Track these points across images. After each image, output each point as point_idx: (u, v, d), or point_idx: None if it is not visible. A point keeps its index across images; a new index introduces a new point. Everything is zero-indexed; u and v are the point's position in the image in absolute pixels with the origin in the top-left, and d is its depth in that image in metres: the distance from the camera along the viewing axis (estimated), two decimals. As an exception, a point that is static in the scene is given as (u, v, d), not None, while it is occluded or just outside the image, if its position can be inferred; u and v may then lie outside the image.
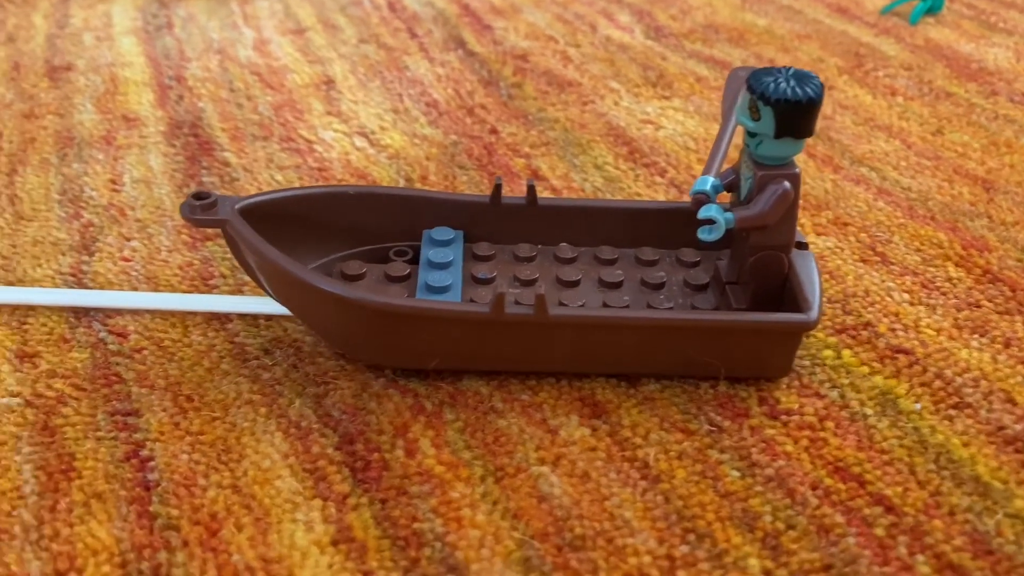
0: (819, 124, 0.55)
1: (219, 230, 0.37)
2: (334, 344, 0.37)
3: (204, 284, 0.41)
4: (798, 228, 0.37)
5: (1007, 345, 0.38)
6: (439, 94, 0.59)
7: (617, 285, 0.38)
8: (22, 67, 0.62)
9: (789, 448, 0.33)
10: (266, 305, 0.39)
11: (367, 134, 0.54)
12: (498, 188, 0.40)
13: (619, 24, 0.70)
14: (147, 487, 0.31)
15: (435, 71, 0.62)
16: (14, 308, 0.40)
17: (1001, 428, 0.34)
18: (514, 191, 0.48)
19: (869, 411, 0.35)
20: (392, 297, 0.35)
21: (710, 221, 0.34)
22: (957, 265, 0.43)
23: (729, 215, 0.34)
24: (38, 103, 0.58)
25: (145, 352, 0.37)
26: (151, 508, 0.31)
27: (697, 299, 0.38)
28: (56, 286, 0.41)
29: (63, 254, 0.43)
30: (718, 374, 0.36)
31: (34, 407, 0.35)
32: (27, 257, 0.43)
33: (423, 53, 0.65)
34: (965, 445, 0.33)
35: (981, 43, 0.67)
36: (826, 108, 0.57)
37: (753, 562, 0.29)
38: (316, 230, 0.39)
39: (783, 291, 0.37)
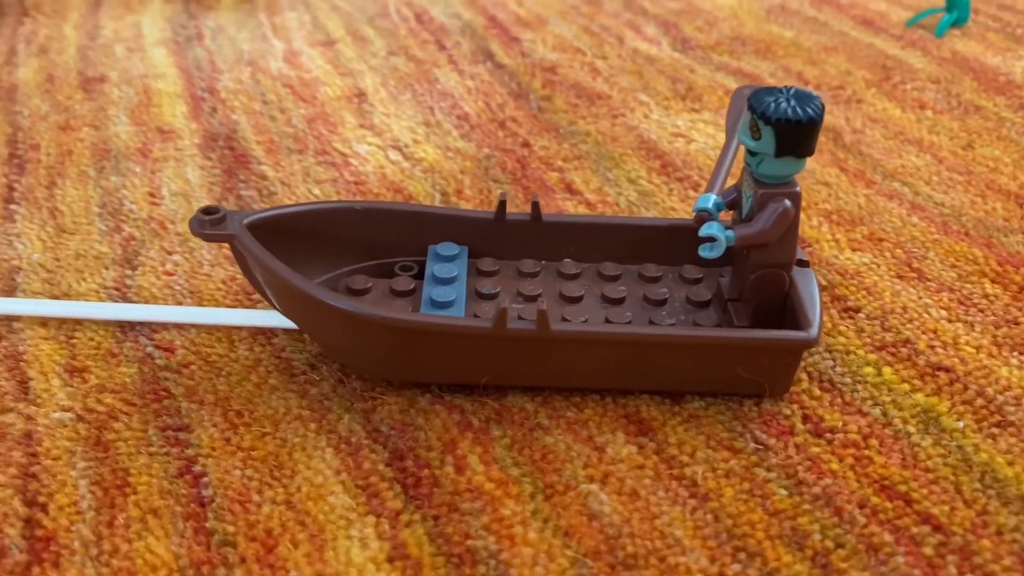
0: (850, 137, 0.55)
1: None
2: (340, 358, 0.38)
3: (248, 299, 0.42)
4: (799, 247, 0.38)
5: (1047, 363, 0.38)
6: (470, 107, 0.60)
7: (620, 301, 0.39)
8: (56, 79, 0.63)
9: (835, 466, 0.33)
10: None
11: (401, 148, 0.55)
12: (502, 204, 0.40)
13: (645, 36, 0.70)
14: (202, 503, 0.32)
15: (465, 84, 0.63)
16: (61, 322, 0.40)
17: (1045, 447, 0.34)
18: (549, 206, 0.49)
19: (912, 429, 0.35)
20: (396, 311, 0.35)
21: (711, 239, 0.35)
22: (993, 282, 0.43)
23: (730, 233, 0.35)
24: (73, 115, 0.58)
25: (193, 367, 0.38)
26: (207, 524, 0.31)
27: (699, 316, 0.38)
28: (101, 300, 0.42)
29: (106, 268, 0.44)
30: (722, 391, 0.36)
31: (86, 422, 0.35)
32: (71, 271, 0.43)
33: (452, 65, 0.66)
34: (1010, 464, 0.33)
35: (1008, 56, 0.67)
36: (855, 122, 0.57)
37: (804, 581, 0.29)
38: (323, 245, 0.40)
39: (784, 309, 0.37)
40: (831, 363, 0.38)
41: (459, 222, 0.41)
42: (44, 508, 0.32)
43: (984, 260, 0.44)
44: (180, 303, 0.41)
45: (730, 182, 0.38)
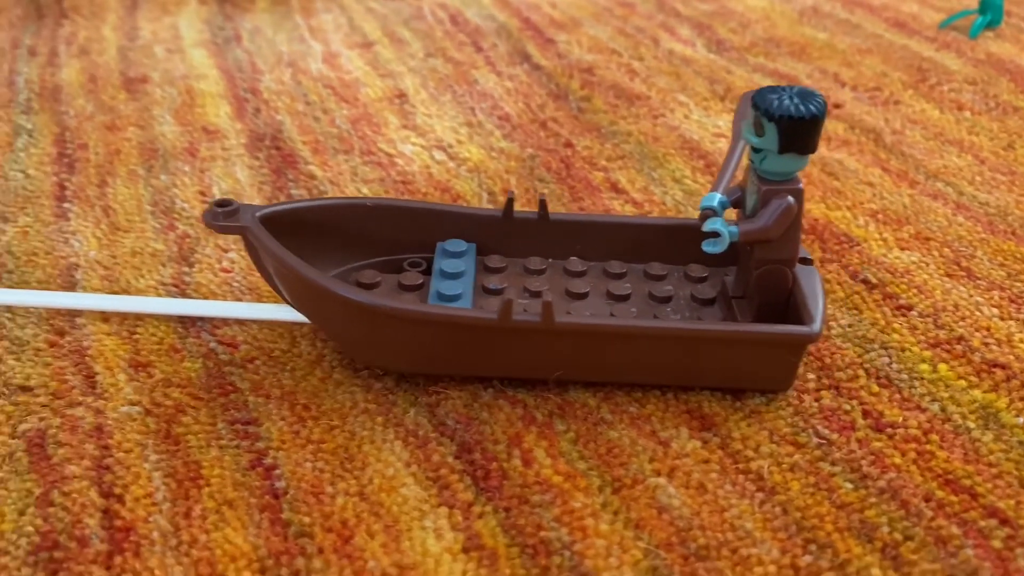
0: (890, 138, 0.56)
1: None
2: (349, 350, 0.38)
3: (305, 295, 0.42)
4: (801, 245, 0.38)
5: (1102, 360, 0.38)
6: (510, 108, 0.60)
7: (625, 298, 0.39)
8: (98, 79, 0.64)
9: (897, 460, 0.34)
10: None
11: (445, 148, 0.55)
12: (510, 202, 0.41)
13: (680, 38, 0.71)
14: (276, 495, 0.32)
15: (504, 85, 0.63)
16: (123, 318, 0.41)
17: (1105, 442, 0.34)
18: (596, 205, 0.49)
19: (972, 424, 0.35)
20: (406, 302, 0.36)
21: (715, 234, 0.36)
22: (1043, 280, 0.43)
23: (733, 228, 0.35)
24: (118, 115, 0.59)
25: (257, 362, 0.38)
26: (283, 515, 0.31)
27: (704, 313, 0.39)
28: (160, 296, 0.42)
29: (163, 265, 0.44)
30: (723, 386, 0.37)
31: (154, 416, 0.36)
32: (128, 267, 0.44)
33: (490, 67, 0.66)
34: (1072, 459, 0.34)
35: (1042, 58, 0.67)
36: (894, 123, 0.58)
37: (876, 572, 0.30)
38: (334, 240, 0.40)
39: (787, 305, 0.37)
40: (887, 360, 0.38)
41: (467, 219, 0.41)
42: (120, 499, 0.32)
43: (1032, 259, 0.45)
44: (239, 299, 0.42)
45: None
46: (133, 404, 0.36)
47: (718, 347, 0.35)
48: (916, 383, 0.37)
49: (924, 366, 0.38)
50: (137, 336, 0.40)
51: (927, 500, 0.32)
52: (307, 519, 0.31)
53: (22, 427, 0.35)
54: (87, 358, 0.38)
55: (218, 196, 0.50)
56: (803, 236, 0.46)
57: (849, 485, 0.33)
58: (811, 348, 0.39)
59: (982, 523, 0.31)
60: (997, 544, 0.31)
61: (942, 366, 0.38)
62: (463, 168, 0.53)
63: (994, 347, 0.39)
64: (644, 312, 0.39)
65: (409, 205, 0.41)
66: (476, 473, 0.33)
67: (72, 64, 0.66)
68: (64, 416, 0.36)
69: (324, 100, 0.61)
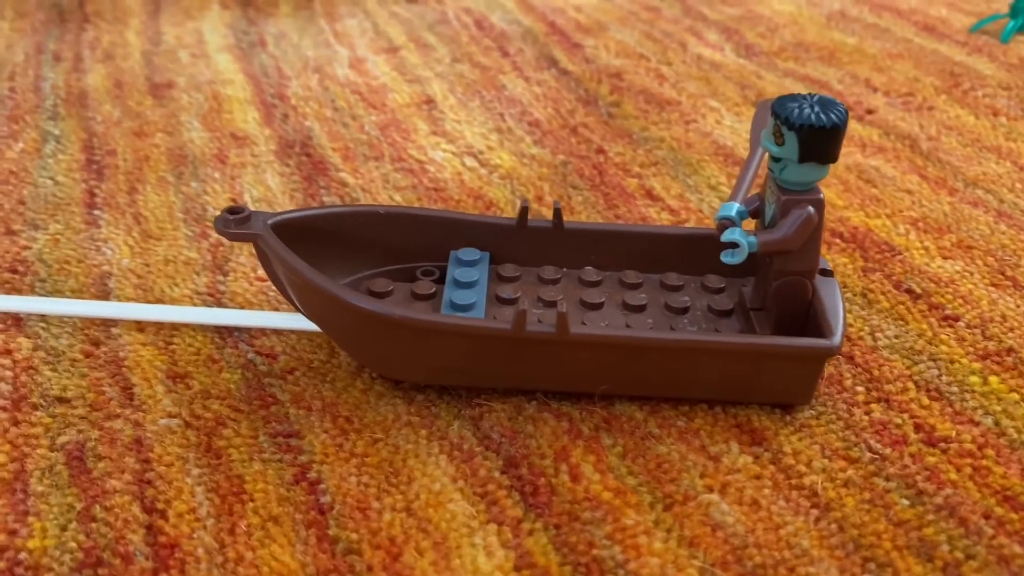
0: (926, 145, 0.55)
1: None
2: (362, 360, 0.38)
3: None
4: (822, 255, 0.37)
5: None
6: (540, 113, 0.59)
7: (640, 308, 0.39)
8: (124, 84, 0.63)
9: (953, 476, 0.33)
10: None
11: (476, 154, 0.55)
12: (524, 211, 0.40)
13: (708, 42, 0.70)
14: (321, 510, 0.32)
15: (532, 90, 0.63)
16: (159, 328, 0.40)
17: None
18: (632, 213, 0.49)
19: (1027, 439, 0.35)
20: (418, 312, 0.35)
21: (733, 244, 0.35)
22: (1090, 290, 0.43)
23: (752, 239, 0.35)
24: (145, 121, 0.58)
25: (297, 373, 0.38)
26: (329, 532, 0.31)
27: (721, 325, 0.38)
28: (195, 305, 0.42)
29: (197, 274, 0.44)
30: (742, 399, 0.36)
31: (193, 428, 0.35)
32: (161, 276, 0.44)
33: (517, 72, 0.65)
34: None
35: (1075, 62, 0.67)
36: (930, 129, 0.57)
37: (938, 593, 0.29)
38: (346, 248, 0.40)
39: (807, 317, 0.37)
40: (936, 372, 0.38)
41: (481, 228, 0.41)
42: (163, 515, 0.32)
43: (1078, 268, 0.44)
44: (276, 309, 0.41)
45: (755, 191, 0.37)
46: (172, 416, 0.36)
47: (735, 360, 0.35)
48: (967, 396, 0.37)
49: (974, 378, 0.38)
50: (174, 346, 0.39)
51: (986, 517, 0.31)
52: (355, 535, 0.31)
53: (61, 439, 0.35)
54: (124, 369, 0.38)
55: (250, 203, 0.49)
56: (844, 244, 0.46)
57: (905, 501, 0.32)
58: (859, 360, 0.38)
59: (1044, 541, 0.31)
60: (1061, 563, 0.30)
61: (993, 378, 0.37)
62: (495, 175, 0.52)
63: (1045, 359, 0.39)
64: (660, 323, 0.38)
65: (422, 213, 0.41)
66: (524, 488, 0.32)
67: (97, 69, 0.66)
68: (103, 428, 0.35)
69: (352, 106, 0.60)
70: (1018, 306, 0.42)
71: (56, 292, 0.43)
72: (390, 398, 0.36)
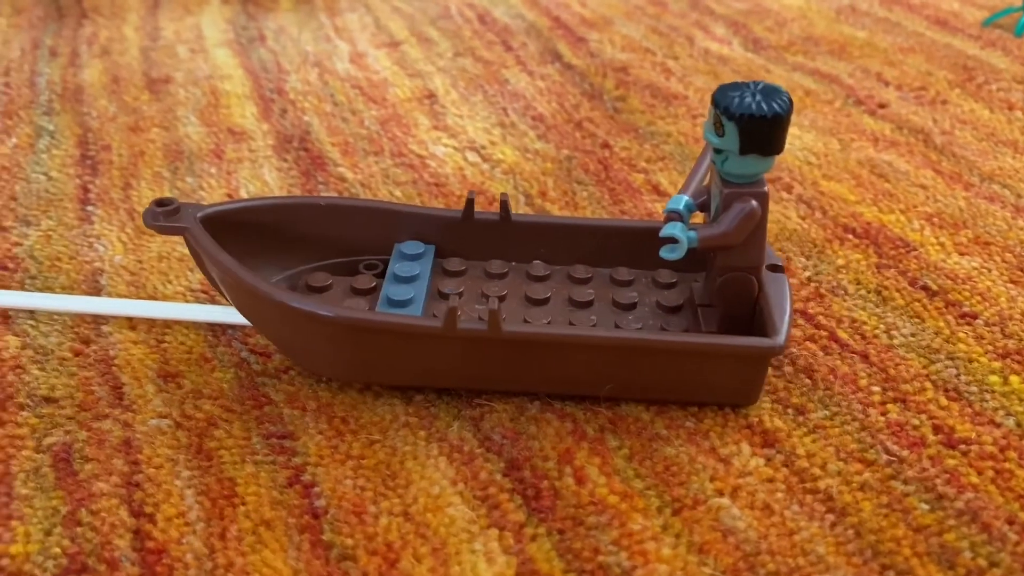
0: (940, 139, 0.54)
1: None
2: (295, 359, 0.36)
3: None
4: (772, 249, 0.36)
5: None
6: (544, 108, 0.58)
7: (587, 304, 0.37)
8: (121, 80, 0.62)
9: (974, 479, 0.32)
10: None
11: (478, 149, 0.53)
12: (470, 203, 0.39)
13: (715, 37, 0.69)
14: (315, 514, 0.30)
15: (536, 84, 0.61)
16: (151, 326, 0.39)
17: None
18: (638, 208, 0.47)
19: (1050, 441, 0.33)
20: (342, 308, 0.34)
21: (672, 240, 0.33)
22: (1112, 287, 0.41)
23: (692, 234, 0.33)
24: (142, 116, 0.57)
25: (291, 372, 0.36)
26: (323, 537, 0.29)
27: (669, 321, 0.37)
28: (188, 303, 0.40)
29: (191, 270, 0.42)
30: (684, 399, 0.35)
31: (184, 429, 0.34)
32: (155, 273, 0.42)
33: (521, 66, 0.64)
34: None
35: (1091, 56, 0.65)
36: (943, 123, 0.56)
37: (961, 602, 0.28)
38: (286, 241, 0.39)
39: (753, 315, 0.35)
40: (954, 371, 0.36)
41: (426, 220, 0.39)
42: (152, 519, 0.30)
43: (1100, 265, 0.43)
44: (271, 306, 0.40)
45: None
46: (163, 417, 0.34)
47: (673, 359, 0.33)
48: (987, 396, 0.35)
49: (994, 378, 0.36)
50: (165, 345, 0.38)
51: (1010, 523, 0.30)
52: (350, 541, 0.29)
53: (47, 441, 0.33)
54: (114, 368, 0.37)
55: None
56: (857, 240, 0.44)
57: (925, 506, 0.31)
58: (874, 358, 0.37)
59: (1071, 548, 0.29)
60: (1089, 571, 0.29)
61: (1014, 378, 0.36)
62: (497, 170, 0.51)
63: (1067, 358, 0.37)
64: (605, 319, 0.37)
65: (365, 205, 0.40)
66: (527, 492, 0.31)
67: (94, 65, 0.65)
68: (91, 429, 0.34)
69: (352, 101, 0.59)
70: (1038, 303, 0.40)
71: (47, 289, 0.41)
72: (387, 398, 0.35)
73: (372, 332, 0.33)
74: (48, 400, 0.35)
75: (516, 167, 0.51)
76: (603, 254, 0.40)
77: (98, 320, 0.39)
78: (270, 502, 0.31)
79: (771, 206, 0.47)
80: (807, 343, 0.38)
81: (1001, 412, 0.35)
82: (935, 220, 0.46)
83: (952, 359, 0.37)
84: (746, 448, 0.33)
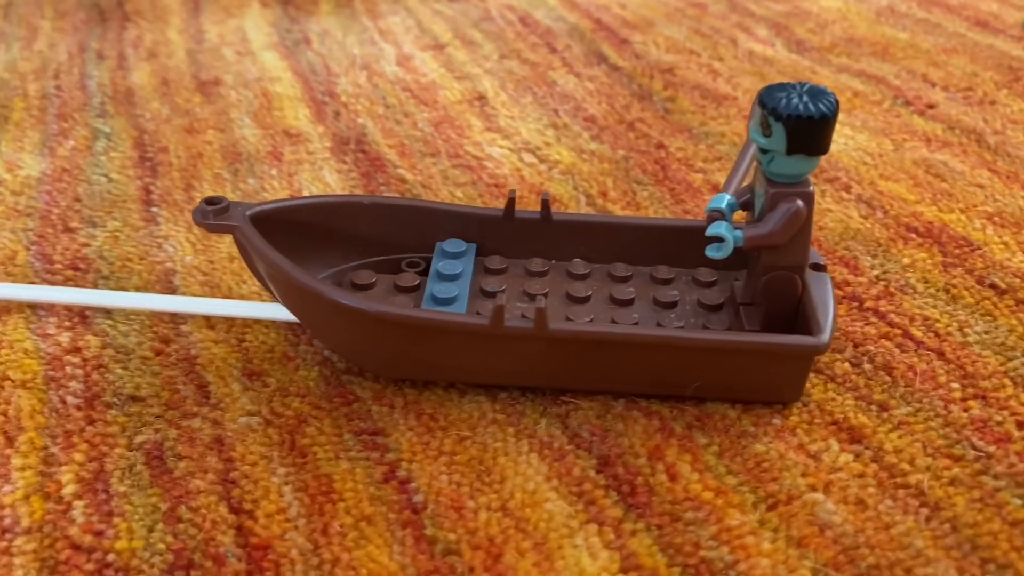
0: (993, 139, 0.54)
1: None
2: (342, 355, 0.37)
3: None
4: (815, 249, 0.36)
5: None
6: (595, 109, 0.58)
7: (628, 303, 0.38)
8: (171, 82, 0.62)
9: (1063, 475, 0.32)
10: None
11: (533, 150, 0.54)
12: (511, 202, 0.39)
13: (758, 38, 0.69)
14: (415, 510, 0.31)
15: (584, 86, 0.62)
16: (230, 326, 0.39)
17: None
18: (699, 208, 0.48)
19: None
20: (392, 306, 0.34)
21: (719, 239, 0.34)
22: None
23: (738, 233, 0.34)
24: (195, 118, 0.58)
25: (375, 371, 0.37)
26: (426, 532, 0.30)
27: (711, 320, 0.37)
28: (264, 302, 0.41)
29: (263, 270, 0.43)
30: (728, 397, 0.35)
31: (275, 426, 0.34)
32: (227, 273, 0.43)
33: (567, 68, 0.65)
34: None
35: None
36: (994, 123, 0.56)
37: (1063, 595, 0.28)
38: (330, 239, 0.39)
39: (796, 314, 0.35)
40: (1031, 368, 0.37)
41: (468, 219, 0.40)
42: (252, 515, 0.31)
43: None
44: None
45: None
46: (251, 415, 0.35)
47: (717, 358, 0.34)
48: (1067, 393, 0.36)
49: (1071, 375, 0.36)
50: (247, 344, 0.38)
51: (1103, 517, 0.30)
52: (452, 536, 0.30)
53: (138, 439, 0.34)
54: (197, 367, 0.37)
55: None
56: (920, 240, 0.45)
57: (1018, 500, 0.31)
58: (951, 356, 0.37)
59: None
60: None
61: (1091, 375, 0.36)
62: (555, 171, 0.51)
63: None
64: (647, 318, 0.37)
65: (407, 203, 0.40)
66: (621, 488, 0.31)
67: (142, 67, 0.65)
68: (180, 427, 0.34)
69: (403, 103, 0.59)
70: (1107, 301, 0.41)
71: (121, 289, 0.42)
72: (473, 395, 0.35)
73: (419, 329, 0.34)
74: (134, 399, 0.36)
75: (574, 168, 0.52)
76: (642, 253, 0.40)
77: (176, 320, 0.40)
78: (368, 498, 0.31)
79: (832, 206, 0.48)
80: (882, 341, 0.38)
81: (1082, 408, 0.35)
82: (996, 219, 0.46)
83: (1028, 356, 0.37)
84: (834, 444, 0.33)
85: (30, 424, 0.34)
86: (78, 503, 0.31)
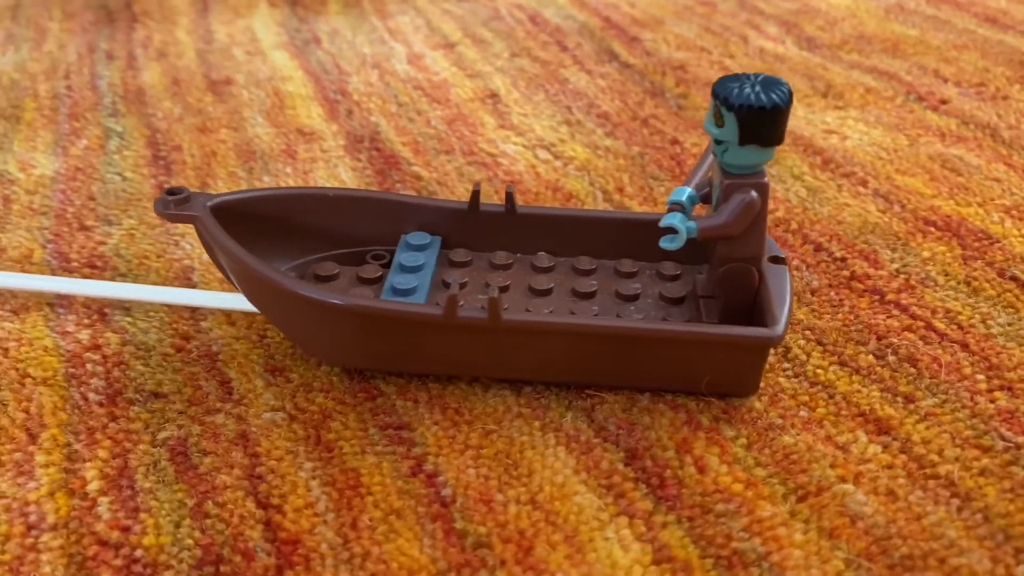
0: (1007, 134, 0.54)
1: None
2: (303, 346, 0.37)
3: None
4: (774, 241, 0.36)
5: None
6: (607, 106, 0.58)
7: (589, 296, 0.38)
8: (182, 82, 0.62)
9: (1093, 465, 0.32)
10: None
11: (548, 147, 0.54)
12: (476, 195, 0.39)
13: (768, 35, 0.69)
14: (444, 503, 0.31)
15: (596, 83, 0.62)
16: (250, 322, 0.39)
17: None
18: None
19: None
20: (346, 296, 0.34)
21: (672, 230, 0.34)
22: None
23: (691, 224, 0.33)
24: (208, 117, 0.57)
25: (398, 366, 0.37)
26: (456, 525, 0.30)
27: (672, 313, 0.37)
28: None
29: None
30: (684, 389, 0.35)
31: (300, 422, 0.34)
32: (245, 270, 0.43)
33: (578, 66, 0.64)
34: None
35: None
36: (1008, 118, 0.56)
37: (1098, 584, 0.28)
38: (295, 231, 0.39)
39: (753, 305, 0.35)
40: (1055, 360, 0.37)
41: (433, 212, 0.40)
42: (280, 510, 0.30)
43: None
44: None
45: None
46: (276, 410, 0.35)
47: (671, 349, 0.33)
48: (1092, 384, 0.36)
49: (1096, 366, 0.36)
50: (267, 340, 0.38)
51: None
52: (482, 529, 0.30)
53: (162, 435, 0.34)
54: (219, 363, 0.37)
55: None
56: (939, 233, 0.45)
57: (1048, 491, 0.31)
58: (975, 347, 0.37)
59: None
60: None
61: (1115, 366, 0.36)
62: (570, 167, 0.51)
63: None
64: (607, 310, 0.37)
65: (371, 196, 0.40)
66: (650, 481, 0.31)
67: (152, 67, 0.65)
68: (204, 423, 0.34)
69: (416, 101, 0.59)
70: None
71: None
72: (497, 389, 0.35)
73: (374, 319, 0.34)
74: (157, 395, 0.36)
75: (589, 164, 0.52)
76: (609, 246, 0.40)
77: (195, 316, 0.40)
78: (396, 492, 0.31)
79: (850, 200, 0.48)
80: (906, 333, 0.38)
81: (1109, 399, 0.35)
82: (1014, 213, 0.46)
83: (1052, 348, 0.37)
84: (862, 436, 0.33)
85: (52, 421, 0.34)
86: (103, 499, 0.31)
